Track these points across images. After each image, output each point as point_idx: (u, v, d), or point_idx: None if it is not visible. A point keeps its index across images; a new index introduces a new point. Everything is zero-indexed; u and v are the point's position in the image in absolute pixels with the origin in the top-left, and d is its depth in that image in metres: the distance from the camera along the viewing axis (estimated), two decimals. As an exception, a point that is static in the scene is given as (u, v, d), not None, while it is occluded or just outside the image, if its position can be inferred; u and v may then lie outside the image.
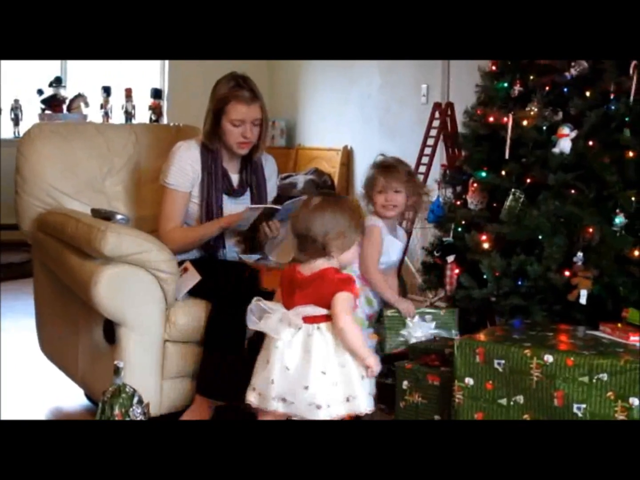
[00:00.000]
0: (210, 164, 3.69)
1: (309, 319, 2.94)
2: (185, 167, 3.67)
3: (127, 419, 2.70)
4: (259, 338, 3.40)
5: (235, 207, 3.72)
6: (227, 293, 3.42)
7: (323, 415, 2.88)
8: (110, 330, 3.48)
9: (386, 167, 3.62)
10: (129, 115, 7.94)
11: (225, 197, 3.72)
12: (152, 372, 3.46)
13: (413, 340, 3.47)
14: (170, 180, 3.67)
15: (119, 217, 3.66)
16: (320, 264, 2.99)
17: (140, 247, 3.40)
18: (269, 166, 3.89)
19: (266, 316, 2.98)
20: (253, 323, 3.01)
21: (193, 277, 3.53)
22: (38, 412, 3.85)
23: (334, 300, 2.93)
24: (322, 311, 2.94)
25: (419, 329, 3.51)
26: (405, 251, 4.18)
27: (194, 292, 3.56)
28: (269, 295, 3.43)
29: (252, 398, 2.98)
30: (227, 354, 3.41)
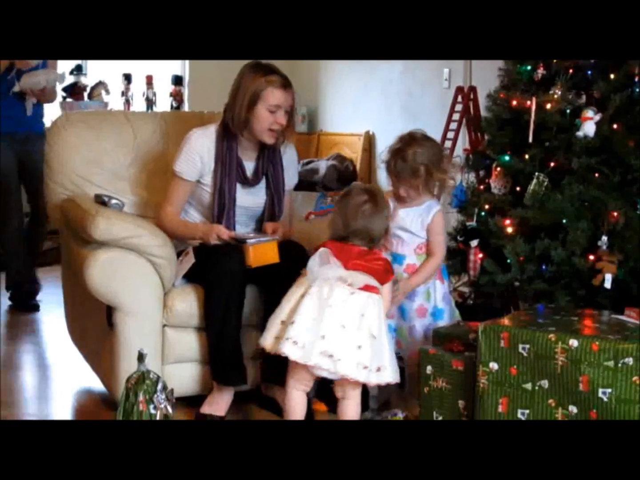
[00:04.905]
0: (224, 153, 3.66)
1: (363, 287, 3.09)
2: (193, 157, 3.65)
3: (151, 405, 2.71)
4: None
5: (248, 197, 3.72)
6: (216, 276, 3.42)
7: (366, 376, 3.03)
8: (111, 315, 3.51)
9: (395, 163, 3.44)
10: (149, 103, 7.94)
11: (239, 186, 3.70)
12: (152, 358, 3.37)
13: None
14: (176, 167, 3.67)
15: (113, 202, 3.73)
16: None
17: (130, 231, 3.45)
18: (288, 155, 3.84)
19: (327, 266, 3.08)
20: (315, 264, 3.09)
21: (189, 261, 3.55)
22: (67, 398, 3.89)
23: (385, 287, 3.19)
24: (377, 284, 3.13)
25: None
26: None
27: (190, 278, 3.58)
28: (254, 273, 3.43)
29: (289, 350, 3.03)
30: (228, 338, 3.43)
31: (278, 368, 3.48)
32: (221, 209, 3.66)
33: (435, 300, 3.49)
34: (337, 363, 2.99)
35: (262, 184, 3.76)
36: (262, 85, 3.56)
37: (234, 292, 3.42)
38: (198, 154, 3.65)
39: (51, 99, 5.39)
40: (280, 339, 3.06)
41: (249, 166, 3.73)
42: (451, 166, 3.55)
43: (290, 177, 3.86)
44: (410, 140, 3.45)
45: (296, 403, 3.15)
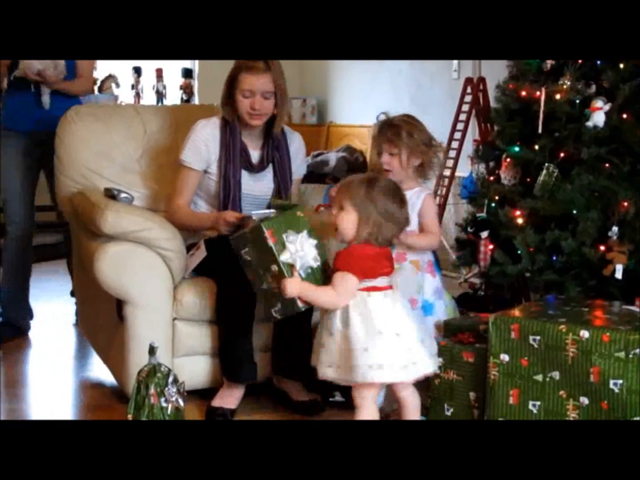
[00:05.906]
0: (228, 139, 3.67)
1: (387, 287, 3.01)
2: (199, 146, 3.66)
3: (163, 398, 2.72)
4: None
5: (254, 184, 3.71)
6: (230, 270, 3.37)
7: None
8: (122, 308, 3.52)
9: (380, 129, 3.45)
10: (159, 95, 7.94)
11: (245, 173, 3.70)
12: (162, 351, 3.34)
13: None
14: (183, 157, 3.68)
15: (122, 195, 3.73)
16: None
17: (140, 225, 3.46)
18: (295, 144, 3.84)
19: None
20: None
21: (200, 254, 3.55)
22: (78, 391, 3.90)
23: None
24: None
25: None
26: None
27: (201, 271, 3.58)
28: None
29: (380, 377, 2.87)
30: (238, 332, 3.42)
31: (289, 361, 3.49)
32: (226, 194, 3.65)
33: (424, 294, 3.46)
34: (419, 367, 2.93)
35: (268, 171, 3.76)
36: (237, 70, 3.59)
37: (246, 286, 3.41)
38: (204, 142, 3.67)
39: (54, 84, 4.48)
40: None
41: (254, 154, 3.73)
42: (437, 148, 3.44)
43: (298, 167, 3.86)
44: (403, 115, 3.47)
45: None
